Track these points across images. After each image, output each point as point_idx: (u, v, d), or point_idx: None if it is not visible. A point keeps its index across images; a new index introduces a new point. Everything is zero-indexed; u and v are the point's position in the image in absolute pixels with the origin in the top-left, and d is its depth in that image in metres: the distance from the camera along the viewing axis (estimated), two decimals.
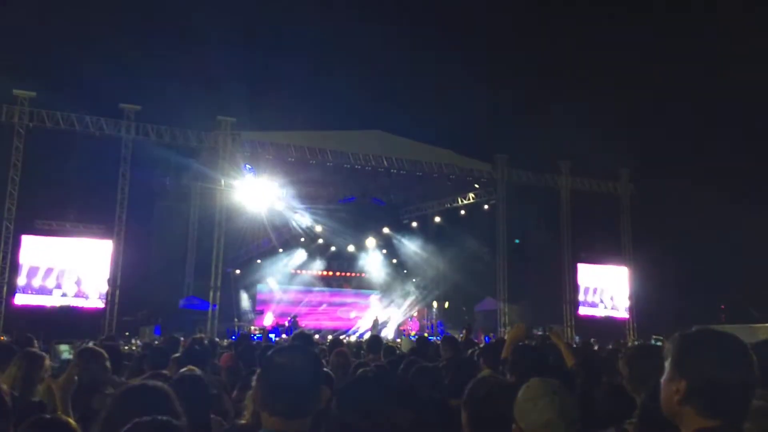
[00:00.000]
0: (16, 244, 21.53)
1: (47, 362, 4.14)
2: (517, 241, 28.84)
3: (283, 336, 24.32)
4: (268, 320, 28.97)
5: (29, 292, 21.59)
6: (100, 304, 22.19)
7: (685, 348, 1.91)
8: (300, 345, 2.75)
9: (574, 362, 4.64)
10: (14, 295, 21.29)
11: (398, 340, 22.04)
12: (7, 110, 21.35)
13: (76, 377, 3.57)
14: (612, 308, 29.87)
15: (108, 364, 4.49)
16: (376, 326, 28.40)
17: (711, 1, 25.91)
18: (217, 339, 15.06)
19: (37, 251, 22.04)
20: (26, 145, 21.64)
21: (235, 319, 27.40)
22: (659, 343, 10.85)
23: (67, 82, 25.80)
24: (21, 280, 21.49)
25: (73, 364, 3.71)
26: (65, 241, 22.46)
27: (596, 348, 12.77)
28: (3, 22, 23.33)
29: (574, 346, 10.42)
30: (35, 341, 7.18)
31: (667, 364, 1.94)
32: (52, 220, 22.68)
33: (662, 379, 1.94)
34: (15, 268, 21.43)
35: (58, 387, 3.45)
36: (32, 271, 21.81)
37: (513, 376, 4.26)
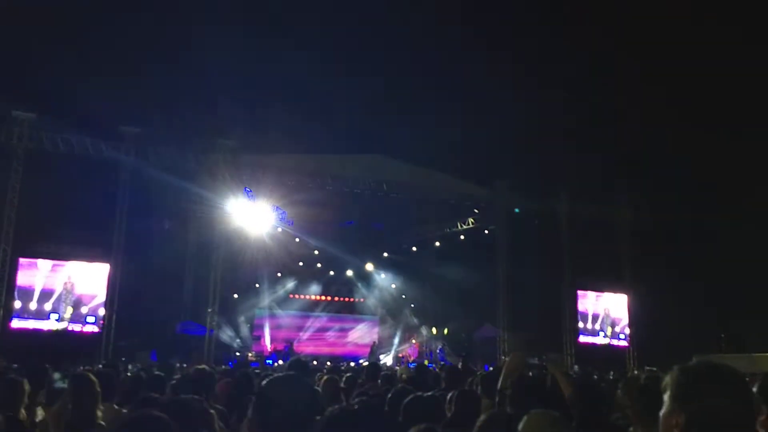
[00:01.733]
0: (14, 267, 21.43)
1: (27, 387, 4.07)
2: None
3: (280, 362, 24.12)
4: (266, 346, 28.73)
5: (26, 316, 21.43)
6: (97, 329, 22.02)
7: (684, 381, 1.90)
8: (295, 374, 2.69)
9: (572, 392, 4.56)
10: (11, 319, 21.12)
11: (396, 368, 21.82)
12: (6, 132, 21.42)
13: (69, 406, 3.50)
14: (612, 336, 29.67)
15: (98, 390, 4.40)
16: (375, 352, 28.18)
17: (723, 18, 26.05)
18: (206, 367, 14.90)
19: (34, 274, 21.94)
20: (25, 168, 21.67)
21: (237, 342, 27.21)
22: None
23: (66, 105, 25.92)
24: (17, 304, 21.35)
25: (67, 393, 3.64)
26: (62, 265, 22.37)
27: (596, 377, 12.64)
28: (2, 43, 23.52)
29: (572, 374, 10.31)
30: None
31: (666, 397, 1.91)
32: (49, 243, 22.62)
33: (661, 413, 1.91)
34: (11, 291, 21.30)
35: (52, 415, 3.40)
36: (29, 295, 21.68)
37: (513, 408, 4.18)
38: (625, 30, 29.27)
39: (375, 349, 28.56)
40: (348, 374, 8.32)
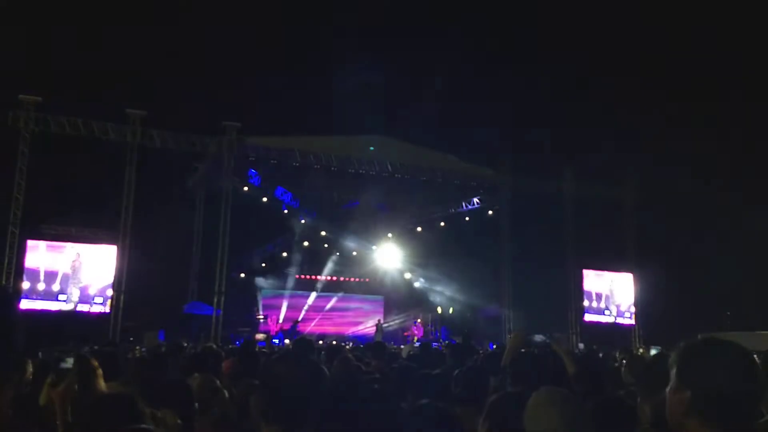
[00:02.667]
0: (22, 249, 21.61)
1: (29, 368, 4.15)
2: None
3: (287, 342, 24.33)
4: (272, 325, 28.95)
5: (34, 297, 21.64)
6: (105, 309, 22.24)
7: (689, 358, 1.90)
8: (300, 354, 2.74)
9: (575, 370, 4.61)
10: (19, 300, 21.34)
11: (401, 347, 21.97)
12: (12, 115, 21.47)
13: (76, 386, 3.56)
14: (618, 315, 29.74)
15: (100, 372, 4.48)
16: (381, 331, 28.35)
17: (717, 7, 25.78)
18: (213, 345, 15.07)
19: (42, 256, 22.12)
20: (32, 150, 21.76)
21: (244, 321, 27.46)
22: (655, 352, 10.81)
23: (72, 87, 25.90)
24: (26, 285, 21.56)
25: (73, 373, 3.71)
26: (70, 246, 22.53)
27: (601, 355, 12.70)
28: (7, 27, 23.46)
29: (577, 352, 10.37)
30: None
31: (672, 374, 1.92)
32: (57, 225, 22.77)
33: (667, 390, 1.92)
34: (20, 273, 21.51)
35: (58, 395, 3.45)
36: (37, 276, 21.88)
37: (517, 386, 4.23)
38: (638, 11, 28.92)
39: (380, 328, 28.71)
40: (355, 353, 8.41)
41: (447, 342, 23.39)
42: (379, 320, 29.67)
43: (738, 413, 1.80)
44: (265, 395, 2.11)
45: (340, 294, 32.22)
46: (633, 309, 29.80)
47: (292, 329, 26.91)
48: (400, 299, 32.73)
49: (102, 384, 4.15)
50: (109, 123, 22.74)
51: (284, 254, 31.61)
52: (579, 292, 29.01)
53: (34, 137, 21.81)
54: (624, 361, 7.67)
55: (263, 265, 31.33)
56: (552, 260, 29.06)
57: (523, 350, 5.06)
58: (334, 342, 19.10)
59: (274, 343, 23.21)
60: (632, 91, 29.66)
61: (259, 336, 25.72)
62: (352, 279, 32.73)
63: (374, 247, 32.74)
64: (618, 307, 29.78)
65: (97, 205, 23.58)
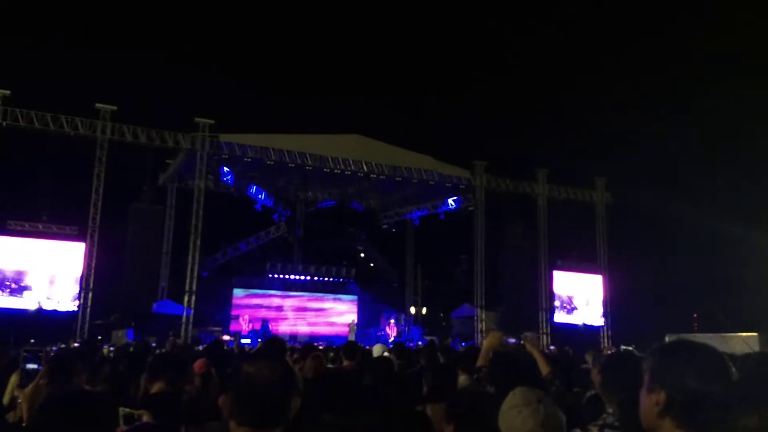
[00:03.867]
0: None
1: None
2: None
3: (259, 341, 24.10)
4: (243, 325, 28.67)
5: (0, 294, 21.13)
6: (72, 307, 21.80)
7: (665, 360, 1.91)
8: (270, 353, 2.71)
9: (549, 371, 4.64)
10: None
11: (368, 347, 21.94)
12: None
13: (43, 385, 3.44)
14: (587, 316, 30.14)
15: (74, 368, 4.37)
16: (353, 330, 28.29)
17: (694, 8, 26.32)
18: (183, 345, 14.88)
19: (8, 252, 21.59)
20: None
21: (214, 321, 27.14)
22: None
23: (42, 81, 25.37)
24: None
25: (42, 374, 3.59)
26: (37, 243, 22.03)
27: (571, 355, 12.84)
28: None
29: (547, 352, 10.46)
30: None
31: (646, 375, 1.93)
32: (24, 221, 22.25)
33: (641, 391, 1.93)
34: None
35: (25, 397, 3.34)
36: (2, 273, 21.36)
37: (493, 386, 4.24)
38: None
39: (353, 328, 28.65)
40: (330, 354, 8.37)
41: (419, 343, 23.43)
42: (352, 320, 29.60)
43: (713, 414, 1.82)
44: (235, 396, 2.06)
45: (314, 294, 32.06)
46: (602, 310, 30.23)
47: (263, 329, 26.67)
48: (375, 299, 32.70)
49: (81, 384, 4.04)
50: (79, 117, 22.29)
51: (257, 253, 31.35)
52: (550, 293, 29.34)
53: (1, 131, 21.27)
54: (593, 362, 7.78)
55: (235, 263, 31.03)
56: (524, 261, 29.33)
57: (498, 351, 5.08)
58: (306, 342, 19.00)
59: (244, 343, 22.96)
60: (605, 96, 30.13)
61: (226, 337, 25.43)
62: (327, 279, 32.59)
63: (349, 247, 32.69)
64: (588, 308, 30.18)
65: (65, 201, 23.09)
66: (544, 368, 4.66)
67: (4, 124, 21.25)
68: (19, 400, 3.55)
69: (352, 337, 26.34)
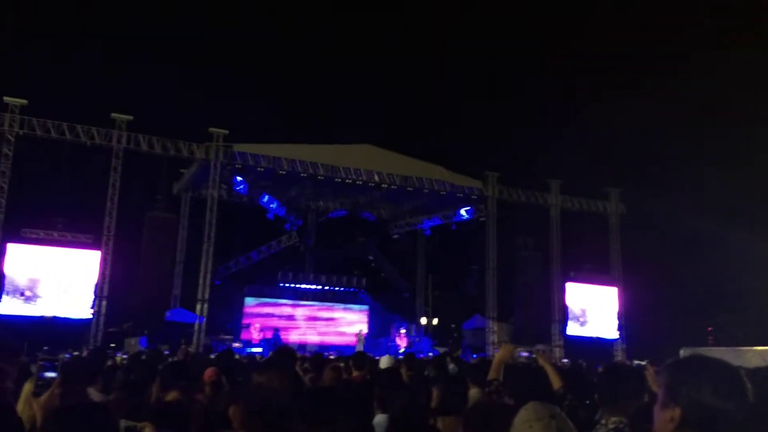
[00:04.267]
0: (2, 253, 21.28)
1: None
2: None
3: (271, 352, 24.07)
4: (254, 334, 28.71)
5: (14, 301, 21.30)
6: (87, 315, 21.94)
7: (680, 375, 1.88)
8: (281, 363, 2.71)
9: (561, 385, 4.58)
10: None
11: (378, 357, 21.85)
12: None
13: (58, 393, 3.44)
14: (601, 329, 29.85)
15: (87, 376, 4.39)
16: (361, 341, 28.25)
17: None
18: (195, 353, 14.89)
19: (23, 260, 21.78)
20: (15, 153, 21.49)
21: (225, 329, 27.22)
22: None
23: (58, 91, 25.73)
24: (6, 289, 21.22)
25: (57, 383, 3.59)
26: (52, 251, 22.23)
27: (584, 368, 12.71)
28: None
29: (560, 365, 10.35)
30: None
31: (660, 391, 1.91)
32: (39, 229, 22.45)
33: (656, 407, 1.91)
34: (0, 277, 21.16)
35: (39, 406, 3.34)
36: (18, 281, 21.55)
37: (512, 398, 4.20)
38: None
39: (361, 338, 28.61)
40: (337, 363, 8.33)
41: (430, 354, 23.32)
42: (360, 330, 29.55)
43: (729, 430, 1.79)
44: (245, 406, 2.07)
45: (325, 303, 32.06)
46: (617, 323, 29.92)
47: (274, 338, 26.68)
48: (386, 309, 32.63)
49: (94, 394, 4.03)
50: (95, 127, 22.53)
51: (269, 262, 31.43)
52: (563, 305, 29.11)
53: (18, 140, 21.54)
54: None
55: (247, 272, 31.11)
56: (537, 272, 29.16)
57: (512, 364, 5.04)
58: (317, 352, 18.95)
59: (256, 352, 22.97)
60: (618, 107, 30.02)
61: (237, 345, 25.50)
62: (337, 288, 32.60)
63: (360, 257, 32.70)
64: (601, 321, 29.89)
65: (80, 210, 23.29)
66: (556, 382, 4.60)
67: (21, 133, 21.53)
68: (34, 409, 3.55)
69: (360, 348, 26.30)
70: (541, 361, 5.03)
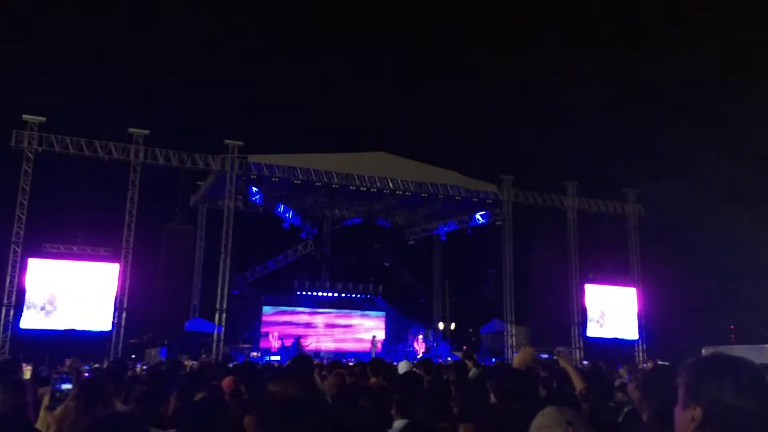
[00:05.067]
0: (23, 268, 21.58)
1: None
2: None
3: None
4: (273, 342, 28.80)
5: (35, 315, 21.58)
6: (107, 327, 22.16)
7: (700, 375, 1.86)
8: (298, 371, 2.71)
9: (583, 386, 4.53)
10: (20, 318, 21.27)
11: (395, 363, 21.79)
12: (16, 135, 21.55)
13: (72, 406, 3.43)
14: (620, 329, 29.55)
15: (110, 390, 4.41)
16: (375, 346, 28.23)
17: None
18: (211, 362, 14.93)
19: (44, 274, 22.08)
20: (35, 169, 21.81)
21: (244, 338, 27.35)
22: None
23: (76, 107, 26.11)
24: (27, 303, 21.50)
25: (72, 396, 3.59)
26: (72, 265, 22.51)
27: (604, 370, 12.60)
28: (11, 48, 23.68)
29: (580, 367, 10.27)
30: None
31: (680, 390, 1.89)
32: (59, 244, 22.76)
33: (676, 407, 1.89)
34: (21, 291, 21.46)
35: (54, 420, 3.35)
36: (39, 295, 21.83)
37: (497, 399, 4.10)
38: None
39: (375, 343, 28.60)
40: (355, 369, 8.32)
41: (448, 359, 23.24)
42: (374, 336, 29.51)
43: (750, 429, 1.76)
44: (260, 414, 2.08)
45: (342, 310, 32.10)
46: (637, 324, 29.60)
47: (294, 346, 26.73)
48: (403, 315, 32.58)
49: (117, 405, 4.04)
50: (112, 142, 22.81)
51: (285, 271, 31.54)
52: (582, 307, 28.86)
53: (37, 156, 21.87)
54: (628, 377, 7.62)
55: (264, 281, 31.24)
56: (555, 275, 28.95)
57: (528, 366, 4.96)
58: (333, 359, 18.96)
59: (273, 360, 23.04)
60: (633, 106, 29.80)
61: (254, 353, 25.63)
62: (354, 295, 32.63)
63: (375, 263, 32.70)
64: (621, 322, 29.59)
65: (99, 224, 23.58)
66: (578, 384, 4.56)
67: (40, 150, 21.86)
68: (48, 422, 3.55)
69: (374, 353, 26.32)
70: (563, 363, 4.99)
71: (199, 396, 4.18)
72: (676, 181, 28.27)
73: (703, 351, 21.22)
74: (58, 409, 3.40)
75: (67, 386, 3.92)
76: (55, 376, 3.95)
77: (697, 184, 27.61)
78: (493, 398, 4.00)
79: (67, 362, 11.26)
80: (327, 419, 2.12)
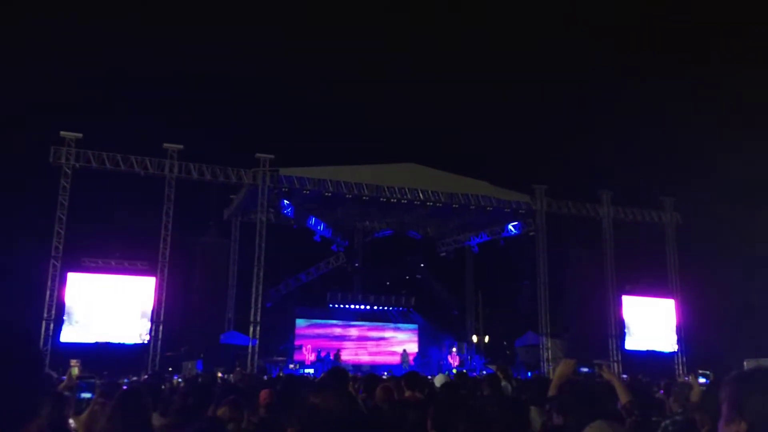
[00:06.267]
0: (63, 282, 22.07)
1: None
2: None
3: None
4: (307, 355, 28.88)
5: (75, 328, 22.03)
6: (144, 340, 22.50)
7: (744, 388, 1.82)
8: (335, 385, 2.69)
9: (628, 399, 4.41)
10: (60, 331, 21.72)
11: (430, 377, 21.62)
12: (54, 151, 22.15)
13: (98, 410, 3.46)
14: (659, 342, 28.86)
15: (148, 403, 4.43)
16: (406, 359, 28.07)
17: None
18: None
19: (83, 288, 22.55)
20: (73, 185, 22.36)
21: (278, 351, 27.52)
22: (704, 379, 10.42)
23: (112, 123, 26.75)
24: (67, 317, 21.97)
25: (95, 401, 3.63)
26: (110, 278, 22.96)
27: (645, 383, 12.29)
28: (49, 65, 24.39)
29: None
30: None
31: (724, 405, 1.83)
32: (97, 258, 23.26)
33: (720, 422, 1.83)
34: (61, 305, 21.93)
35: (81, 424, 3.40)
36: (78, 308, 22.29)
37: (560, 416, 4.05)
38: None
39: (405, 356, 28.46)
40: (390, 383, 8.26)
41: (483, 372, 22.97)
42: (404, 349, 29.36)
43: None
44: (301, 426, 2.05)
45: (375, 323, 32.06)
46: (675, 336, 28.89)
47: (328, 358, 26.73)
48: (435, 328, 32.39)
49: (155, 418, 4.07)
50: (148, 157, 23.29)
51: (318, 283, 31.67)
52: (619, 319, 28.27)
53: (75, 172, 22.42)
54: (666, 391, 7.40)
55: (297, 294, 31.42)
56: (590, 286, 28.46)
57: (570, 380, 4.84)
58: (368, 372, 18.90)
59: (307, 374, 23.08)
60: (669, 112, 29.27)
61: (292, 365, 25.77)
62: (386, 308, 32.59)
63: (407, 276, 32.64)
64: (659, 334, 28.90)
65: (136, 238, 24.05)
66: (623, 397, 4.43)
67: (78, 166, 22.41)
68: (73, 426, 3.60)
69: (405, 366, 26.18)
70: (607, 375, 4.86)
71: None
72: (715, 188, 27.62)
73: (745, 364, 20.56)
74: (84, 414, 3.44)
75: (86, 395, 3.95)
76: (77, 382, 3.99)
77: (737, 190, 26.90)
78: (556, 418, 3.92)
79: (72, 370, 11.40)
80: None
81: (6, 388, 1.03)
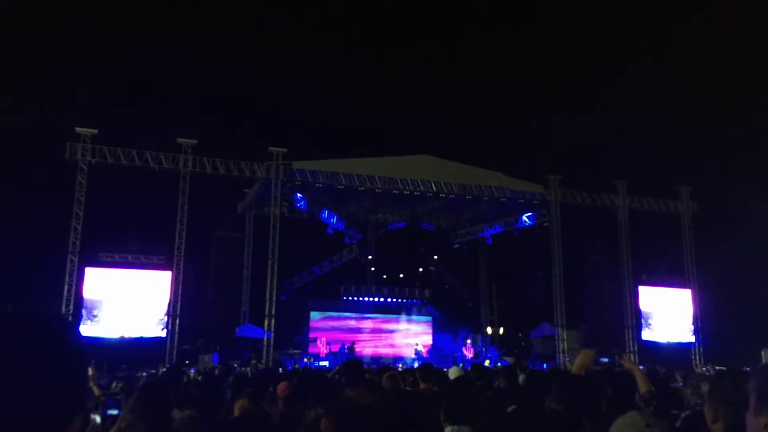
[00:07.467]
0: (80, 277, 22.30)
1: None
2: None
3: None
4: (321, 347, 29.00)
5: (93, 323, 22.26)
6: (161, 334, 22.71)
7: None
8: (370, 380, 2.69)
9: (647, 389, 4.38)
10: (78, 326, 21.96)
11: (445, 369, 21.61)
12: (70, 147, 22.34)
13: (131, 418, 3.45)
14: (676, 333, 28.65)
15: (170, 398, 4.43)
16: (420, 352, 28.08)
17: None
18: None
19: (100, 283, 22.77)
20: (89, 181, 22.56)
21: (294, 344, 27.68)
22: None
23: (127, 119, 26.92)
24: (85, 312, 22.21)
25: (128, 410, 3.61)
26: (127, 273, 23.17)
27: (662, 374, 12.21)
28: (62, 62, 24.54)
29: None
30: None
31: (751, 397, 1.80)
32: (114, 253, 23.48)
33: (747, 414, 1.80)
34: (79, 300, 22.17)
35: None
36: (96, 303, 22.52)
37: (559, 405, 3.98)
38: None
39: (419, 349, 28.46)
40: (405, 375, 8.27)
41: (498, 364, 22.95)
42: (416, 344, 29.36)
43: None
44: (336, 419, 2.06)
45: (389, 315, 32.10)
46: (692, 326, 28.66)
47: (345, 351, 26.80)
48: (450, 320, 32.38)
49: (174, 412, 4.06)
50: (162, 152, 23.41)
51: (331, 276, 31.75)
52: (635, 310, 28.08)
53: (90, 168, 22.62)
54: (684, 382, 7.36)
55: (311, 287, 31.52)
56: (606, 277, 28.29)
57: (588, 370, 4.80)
58: (383, 365, 18.93)
59: (323, 366, 23.18)
60: (684, 99, 28.93)
61: (306, 358, 25.88)
62: (400, 300, 32.62)
63: (421, 268, 32.62)
64: (676, 324, 28.68)
65: (152, 232, 24.26)
66: (643, 387, 4.41)
67: (93, 161, 22.60)
68: None
69: (419, 359, 26.19)
70: (627, 364, 4.82)
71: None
72: (732, 176, 27.26)
73: (763, 353, 20.35)
74: (114, 428, 3.42)
75: (113, 411, 3.93)
76: (103, 399, 3.96)
77: (754, 179, 26.53)
78: (553, 403, 3.89)
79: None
80: (399, 428, 2.09)
81: (54, 384, 1.02)
